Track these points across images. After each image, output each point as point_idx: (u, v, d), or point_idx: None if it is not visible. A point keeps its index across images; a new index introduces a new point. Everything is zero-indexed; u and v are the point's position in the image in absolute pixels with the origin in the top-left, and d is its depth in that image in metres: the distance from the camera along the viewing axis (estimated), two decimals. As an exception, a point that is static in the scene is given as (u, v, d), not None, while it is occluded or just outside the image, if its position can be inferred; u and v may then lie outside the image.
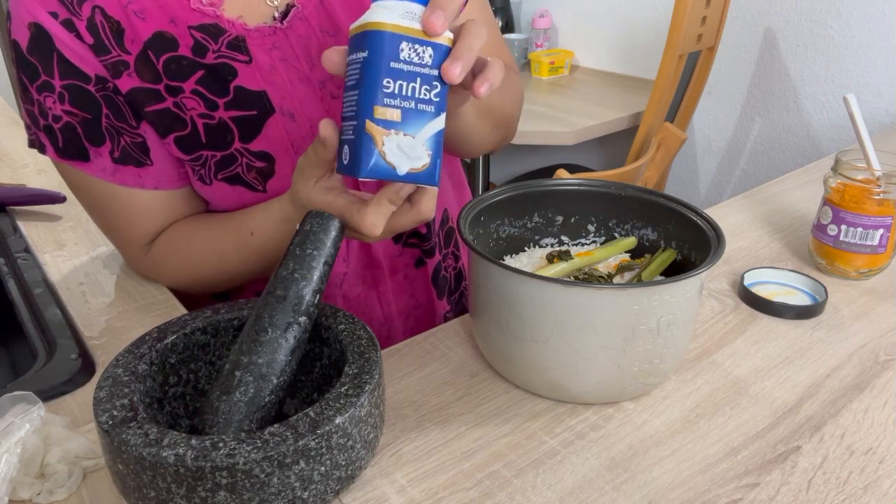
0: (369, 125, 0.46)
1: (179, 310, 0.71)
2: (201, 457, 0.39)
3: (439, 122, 0.48)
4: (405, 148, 0.47)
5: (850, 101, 0.74)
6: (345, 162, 0.48)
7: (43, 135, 0.65)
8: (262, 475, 0.40)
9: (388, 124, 0.46)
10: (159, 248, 0.70)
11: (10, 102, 1.54)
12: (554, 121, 1.80)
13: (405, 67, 0.46)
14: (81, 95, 0.63)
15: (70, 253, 0.82)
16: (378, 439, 0.48)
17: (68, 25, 0.61)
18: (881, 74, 1.63)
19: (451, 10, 0.46)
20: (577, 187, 0.68)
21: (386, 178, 0.47)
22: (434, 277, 0.81)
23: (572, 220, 0.69)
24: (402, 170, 0.47)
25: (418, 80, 0.46)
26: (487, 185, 2.12)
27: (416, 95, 0.46)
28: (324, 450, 0.42)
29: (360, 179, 0.47)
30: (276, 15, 0.67)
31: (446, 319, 0.84)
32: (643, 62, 2.15)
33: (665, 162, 1.66)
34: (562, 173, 1.35)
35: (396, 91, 0.46)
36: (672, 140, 1.60)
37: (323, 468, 0.43)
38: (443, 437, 0.53)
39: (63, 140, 0.64)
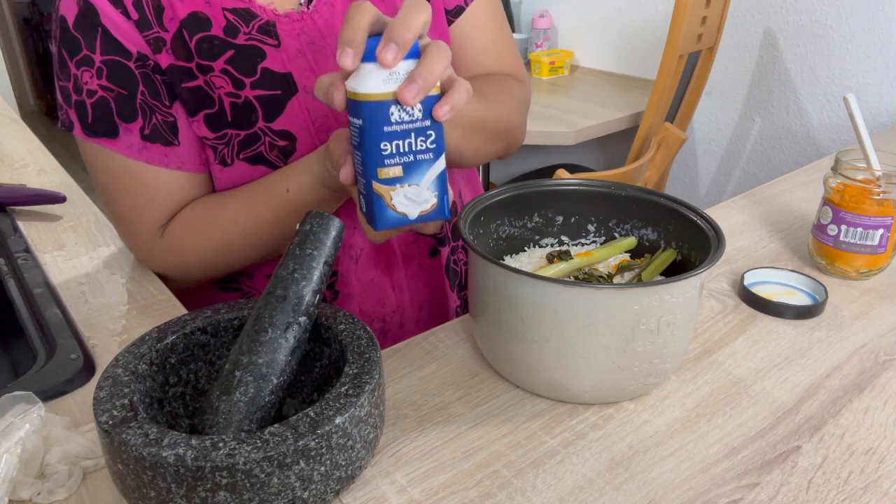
0: (376, 186, 0.50)
1: (179, 310, 0.71)
2: (201, 457, 0.39)
3: (440, 164, 0.51)
4: (412, 196, 0.51)
5: (850, 101, 0.74)
6: (363, 210, 0.54)
7: (73, 111, 0.66)
8: (262, 475, 0.40)
9: (392, 181, 0.50)
10: (178, 226, 0.70)
11: (11, 102, 1.54)
12: (554, 121, 1.80)
13: (398, 128, 0.49)
14: (120, 71, 0.65)
15: (70, 253, 0.82)
16: (378, 439, 0.48)
17: (116, 2, 0.64)
18: (881, 74, 1.63)
19: (403, 41, 0.47)
20: (577, 187, 0.68)
21: (400, 225, 0.52)
22: (446, 267, 0.82)
23: (572, 220, 0.69)
24: (413, 215, 0.52)
25: (412, 134, 0.49)
26: (487, 185, 2.12)
27: (414, 149, 0.50)
28: (324, 450, 0.42)
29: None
30: (303, 0, 0.69)
31: (457, 314, 0.84)
32: (643, 62, 2.15)
33: (665, 162, 1.66)
34: (562, 173, 1.35)
35: (394, 151, 0.49)
36: (672, 140, 1.60)
37: (323, 468, 0.43)
38: (443, 437, 0.53)
39: (93, 115, 0.66)
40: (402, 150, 0.49)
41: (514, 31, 2.40)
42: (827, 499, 0.48)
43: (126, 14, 0.63)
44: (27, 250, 0.82)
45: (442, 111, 0.49)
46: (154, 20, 0.64)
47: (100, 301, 0.72)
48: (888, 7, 1.58)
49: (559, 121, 1.79)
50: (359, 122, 0.49)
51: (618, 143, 2.20)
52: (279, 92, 0.67)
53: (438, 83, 0.50)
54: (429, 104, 0.49)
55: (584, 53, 2.33)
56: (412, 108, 0.49)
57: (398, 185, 0.50)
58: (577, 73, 2.28)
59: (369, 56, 0.48)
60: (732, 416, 0.55)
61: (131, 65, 0.65)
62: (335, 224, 0.50)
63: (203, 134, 0.68)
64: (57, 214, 0.93)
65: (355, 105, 0.49)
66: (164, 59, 0.65)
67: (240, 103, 0.66)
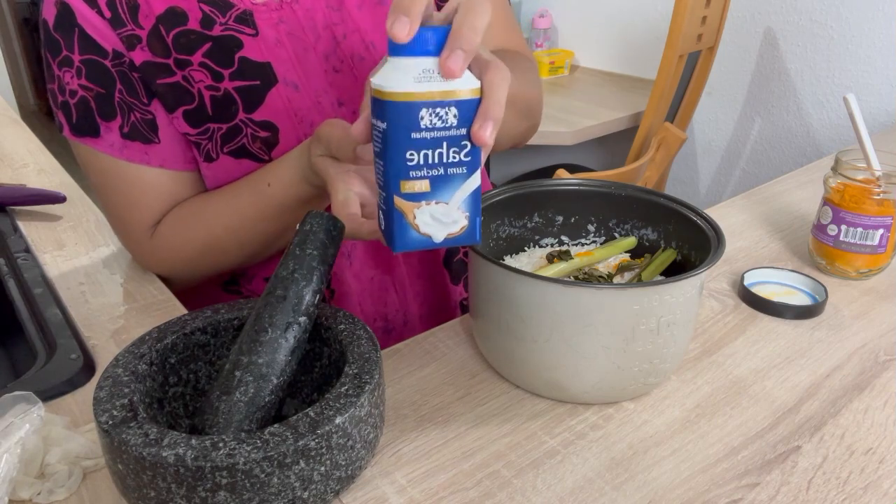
0: (398, 201, 0.44)
1: (179, 310, 0.71)
2: (201, 457, 0.39)
3: (474, 181, 0.44)
4: (439, 216, 0.45)
5: (850, 101, 0.74)
6: (382, 228, 0.47)
7: (60, 113, 0.67)
8: (262, 475, 0.40)
9: (417, 197, 0.44)
10: (166, 225, 0.70)
11: (11, 102, 1.54)
12: (554, 121, 1.79)
13: (428, 135, 0.42)
14: (97, 70, 0.65)
15: (70, 253, 0.82)
16: (378, 439, 0.48)
17: (90, 1, 0.64)
18: (881, 74, 1.63)
19: (470, 48, 0.42)
20: (577, 187, 0.68)
21: (424, 247, 0.46)
22: (446, 260, 0.81)
23: (572, 220, 0.69)
24: (439, 238, 0.45)
25: (444, 144, 0.43)
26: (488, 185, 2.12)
27: (445, 161, 0.43)
28: (324, 450, 0.42)
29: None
30: None
31: (462, 307, 0.84)
32: (643, 62, 2.15)
33: (665, 162, 1.66)
34: (562, 173, 1.35)
35: (422, 162, 0.43)
36: (672, 140, 1.60)
37: (323, 468, 0.43)
38: (443, 437, 0.53)
39: (77, 116, 0.66)
40: (430, 162, 0.43)
41: (514, 31, 2.40)
42: (827, 499, 0.48)
43: (100, 13, 0.64)
44: (27, 250, 0.82)
45: (484, 134, 0.42)
46: (128, 18, 0.64)
47: (100, 301, 0.72)
48: (888, 7, 1.58)
49: (559, 121, 1.79)
50: (383, 125, 0.43)
51: (618, 143, 2.19)
52: (258, 82, 0.67)
53: (478, 86, 0.43)
54: (466, 110, 0.43)
55: (584, 53, 2.33)
56: (446, 114, 0.42)
57: (423, 203, 0.44)
58: (577, 73, 2.28)
59: (400, 50, 0.42)
60: (732, 416, 0.55)
61: (107, 63, 0.65)
62: (336, 224, 0.50)
63: (184, 130, 0.68)
64: (57, 214, 0.93)
65: (380, 105, 0.43)
66: (139, 57, 0.65)
67: (219, 96, 0.66)
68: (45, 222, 0.91)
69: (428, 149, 0.43)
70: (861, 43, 1.64)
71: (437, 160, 0.43)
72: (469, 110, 0.43)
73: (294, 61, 0.68)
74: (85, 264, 0.80)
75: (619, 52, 2.22)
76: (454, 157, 0.43)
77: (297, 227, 0.50)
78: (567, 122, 1.78)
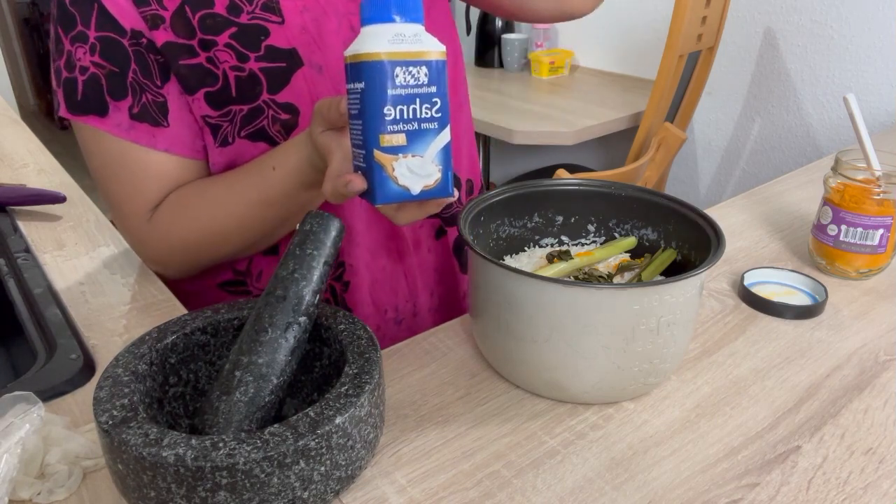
0: (378, 154, 0.47)
1: (179, 310, 0.71)
2: (201, 457, 0.39)
3: (445, 136, 0.49)
4: (415, 168, 0.48)
5: (850, 101, 0.74)
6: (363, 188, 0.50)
7: (61, 91, 0.66)
8: (262, 475, 0.40)
9: (395, 150, 0.47)
10: (166, 209, 0.69)
11: (11, 102, 1.54)
12: (554, 121, 1.79)
13: (403, 92, 0.47)
14: (113, 48, 0.65)
15: (70, 253, 0.82)
16: (378, 439, 0.48)
17: None
18: (881, 74, 1.63)
19: None
20: (577, 187, 0.68)
21: (402, 200, 0.49)
22: (456, 249, 0.82)
23: (572, 220, 0.69)
24: (416, 189, 0.49)
25: (417, 100, 0.47)
26: (487, 185, 2.12)
27: (418, 116, 0.47)
28: (324, 450, 0.42)
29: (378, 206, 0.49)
30: None
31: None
32: (643, 62, 2.15)
33: (665, 162, 1.66)
34: (562, 173, 1.35)
35: (398, 116, 0.47)
36: (672, 140, 1.60)
37: (323, 468, 0.43)
38: (443, 437, 0.53)
39: (83, 92, 0.65)
40: (406, 117, 0.47)
41: (513, 30, 2.40)
42: (827, 499, 0.48)
43: None
44: (27, 250, 0.82)
45: None
46: None
47: (100, 301, 0.72)
48: (888, 7, 1.58)
49: (559, 121, 1.79)
50: (360, 85, 0.47)
51: (618, 143, 2.20)
52: (284, 64, 0.67)
53: (444, 49, 0.48)
54: (434, 69, 0.47)
55: (584, 53, 2.33)
56: (418, 72, 0.47)
57: (401, 156, 0.47)
58: (577, 73, 2.28)
59: (374, 18, 0.47)
60: (732, 416, 0.55)
61: (125, 42, 0.64)
62: (335, 224, 0.50)
63: (205, 112, 0.67)
64: (57, 214, 0.93)
65: (356, 68, 0.47)
66: (161, 37, 0.64)
67: (244, 76, 0.66)
68: (45, 222, 0.91)
69: (403, 104, 0.47)
70: (861, 43, 1.64)
71: (411, 115, 0.47)
72: (437, 70, 0.47)
73: (318, 44, 0.69)
74: (85, 264, 0.80)
75: (619, 52, 2.22)
76: (426, 113, 0.48)
77: (297, 227, 0.50)
78: (567, 122, 1.78)
